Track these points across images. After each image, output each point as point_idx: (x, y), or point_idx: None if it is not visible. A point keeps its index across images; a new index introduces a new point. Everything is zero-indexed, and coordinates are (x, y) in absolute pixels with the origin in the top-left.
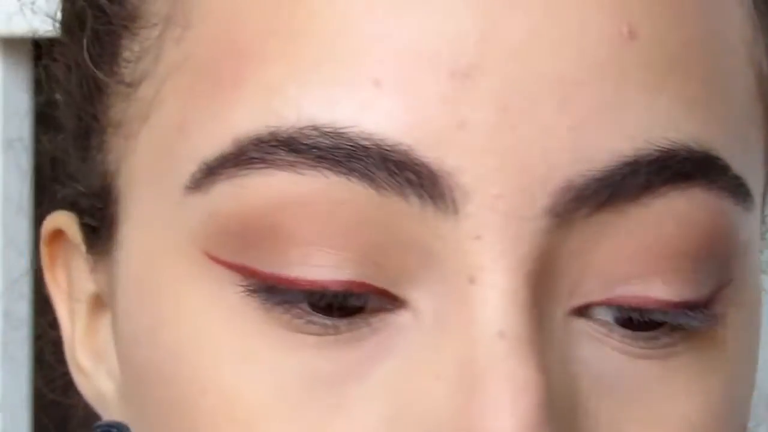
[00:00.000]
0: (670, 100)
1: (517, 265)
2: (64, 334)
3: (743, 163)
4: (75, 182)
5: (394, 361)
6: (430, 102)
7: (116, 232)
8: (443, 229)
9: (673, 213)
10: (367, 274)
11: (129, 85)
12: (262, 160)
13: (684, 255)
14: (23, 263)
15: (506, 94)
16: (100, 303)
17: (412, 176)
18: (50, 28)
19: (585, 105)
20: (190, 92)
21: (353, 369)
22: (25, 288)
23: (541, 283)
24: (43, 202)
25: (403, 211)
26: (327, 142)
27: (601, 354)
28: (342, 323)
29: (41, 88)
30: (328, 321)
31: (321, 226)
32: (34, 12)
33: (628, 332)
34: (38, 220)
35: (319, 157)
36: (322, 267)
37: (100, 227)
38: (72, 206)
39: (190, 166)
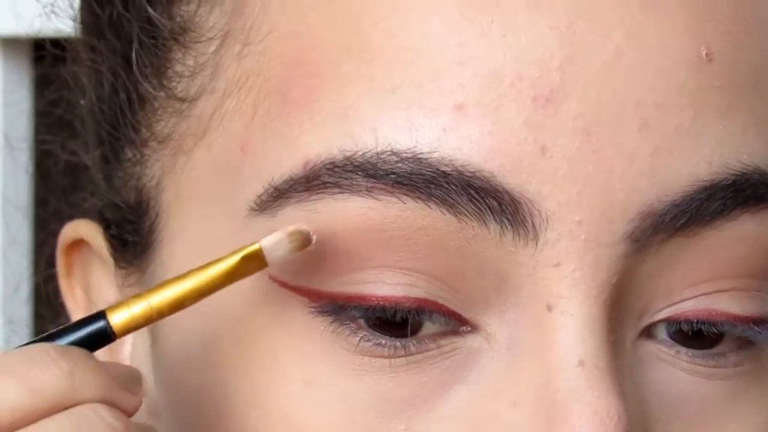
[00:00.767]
0: (744, 122)
1: (596, 292)
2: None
3: None
4: (100, 192)
5: (467, 386)
6: (513, 127)
7: (157, 248)
8: (521, 255)
9: (743, 235)
10: (441, 295)
11: (182, 100)
12: (337, 185)
13: (752, 274)
14: (24, 264)
15: (588, 118)
16: None
17: (493, 203)
18: (50, 28)
19: (665, 129)
20: (255, 111)
21: (424, 393)
22: (25, 292)
23: (617, 308)
24: (45, 202)
25: (480, 236)
26: (406, 167)
27: (670, 376)
28: (411, 343)
29: (42, 88)
30: (397, 342)
31: (396, 252)
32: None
33: (697, 352)
34: (38, 220)
35: (397, 182)
36: (395, 285)
37: (131, 241)
38: (97, 217)
39: (255, 187)
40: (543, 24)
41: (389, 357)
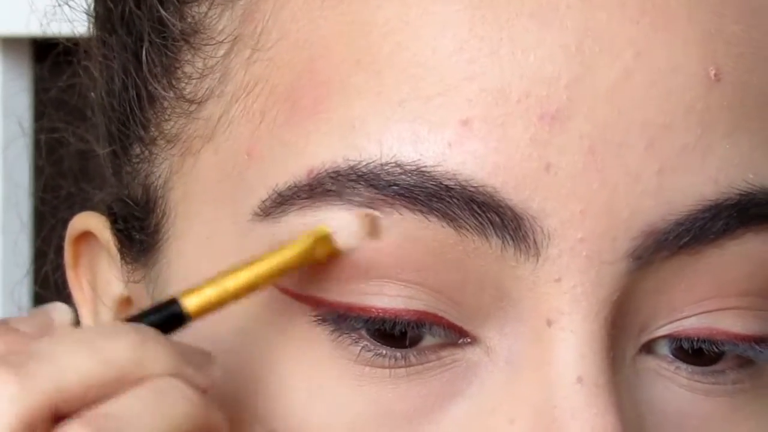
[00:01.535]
0: (750, 142)
1: (596, 309)
2: None
3: None
4: (109, 186)
5: (467, 400)
6: (518, 144)
7: (163, 247)
8: (522, 270)
9: (746, 254)
10: (440, 307)
11: (191, 101)
12: (338, 194)
13: (755, 294)
14: (23, 263)
15: (594, 137)
16: (129, 306)
17: (495, 218)
18: (50, 28)
19: (671, 148)
20: (262, 117)
21: (425, 406)
22: (24, 293)
23: (617, 325)
24: (44, 201)
25: (481, 250)
26: (409, 180)
27: (669, 392)
28: (411, 354)
29: (42, 88)
30: (398, 353)
31: (395, 262)
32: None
33: (697, 368)
34: (38, 220)
35: (399, 194)
36: (395, 297)
37: (138, 238)
38: (106, 210)
39: (260, 193)
40: (552, 42)
41: (390, 368)
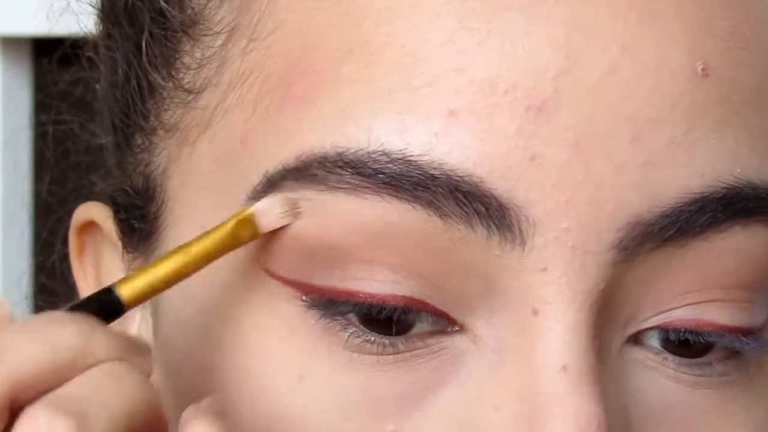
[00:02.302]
0: (737, 137)
1: (581, 298)
2: None
3: None
4: (112, 177)
5: (454, 388)
6: (505, 134)
7: (162, 234)
8: (508, 259)
9: (733, 248)
10: (427, 294)
11: (189, 91)
12: (325, 179)
13: (742, 286)
14: (23, 260)
15: (580, 129)
16: None
17: (480, 207)
18: (50, 28)
19: (657, 142)
20: (256, 105)
21: (413, 392)
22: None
23: (602, 315)
24: (44, 200)
25: (467, 239)
26: (395, 168)
27: (655, 383)
28: (399, 341)
29: (47, 82)
30: (386, 340)
31: (380, 249)
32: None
33: (684, 360)
34: (38, 220)
35: (384, 182)
36: (381, 282)
37: (138, 227)
38: (109, 200)
39: (252, 179)
40: (540, 35)
41: (378, 354)
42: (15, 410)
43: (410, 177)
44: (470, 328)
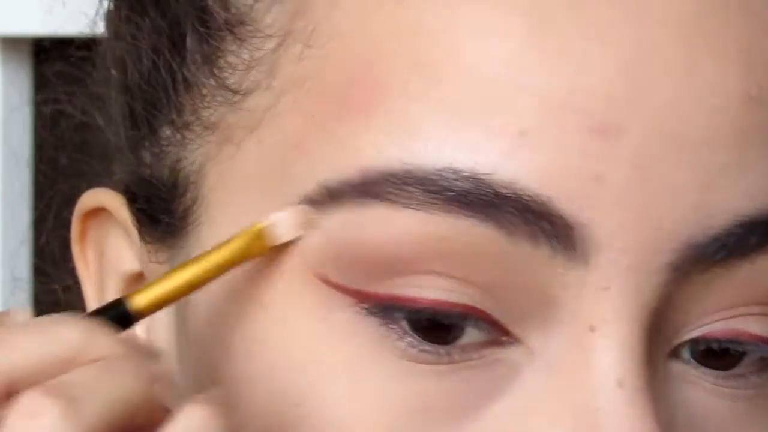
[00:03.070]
0: None
1: (636, 316)
2: (90, 307)
3: None
4: (125, 165)
5: (507, 400)
6: (572, 156)
7: (194, 232)
8: (569, 277)
9: None
10: (486, 305)
11: (234, 92)
12: (393, 195)
13: None
14: (23, 261)
15: (643, 152)
16: (140, 282)
17: (547, 226)
18: (50, 28)
19: (713, 165)
20: (313, 112)
21: (466, 403)
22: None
23: (653, 332)
24: (43, 200)
25: (531, 255)
26: (464, 186)
27: (694, 397)
28: (455, 351)
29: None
30: (441, 349)
31: (444, 261)
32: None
33: (720, 373)
34: (38, 221)
35: (453, 199)
36: (444, 290)
37: (163, 217)
38: (121, 188)
39: (306, 186)
40: (608, 58)
41: (434, 364)
42: None
43: (479, 195)
44: (525, 341)
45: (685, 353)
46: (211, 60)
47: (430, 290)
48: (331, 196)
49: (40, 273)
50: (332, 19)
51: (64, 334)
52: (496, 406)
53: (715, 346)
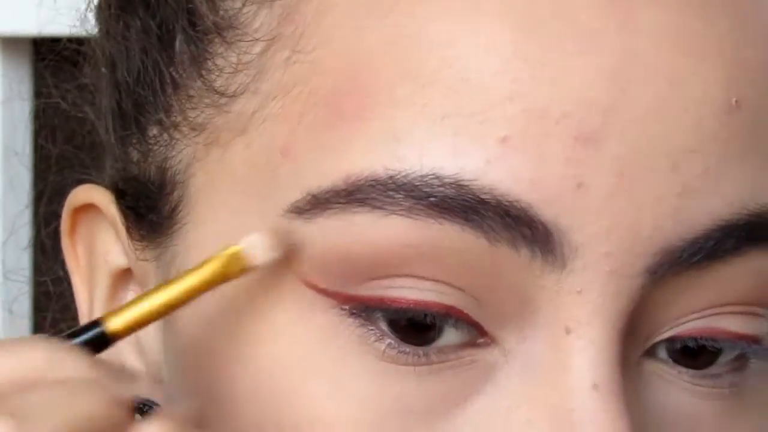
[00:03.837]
0: (762, 164)
1: (613, 319)
2: (79, 304)
3: None
4: (114, 161)
5: (484, 400)
6: (554, 163)
7: (180, 232)
8: (547, 280)
9: (750, 269)
10: (466, 306)
11: (221, 94)
12: (377, 201)
13: (755, 302)
14: (24, 261)
15: (625, 160)
16: (126, 278)
17: (527, 231)
18: (50, 28)
19: (693, 171)
20: (300, 118)
21: (444, 404)
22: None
23: (629, 334)
24: (44, 200)
25: (510, 259)
26: (447, 192)
27: (669, 395)
28: (433, 352)
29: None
30: (420, 350)
31: (428, 267)
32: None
33: (696, 372)
34: (38, 223)
35: (436, 205)
36: (425, 291)
37: (150, 216)
38: (110, 184)
39: (293, 192)
40: (592, 67)
41: (413, 365)
42: None
43: (461, 201)
44: (501, 342)
45: (662, 352)
46: (198, 62)
47: (412, 291)
48: (316, 204)
49: (39, 265)
50: (321, 25)
51: (29, 355)
52: (472, 407)
53: (691, 344)
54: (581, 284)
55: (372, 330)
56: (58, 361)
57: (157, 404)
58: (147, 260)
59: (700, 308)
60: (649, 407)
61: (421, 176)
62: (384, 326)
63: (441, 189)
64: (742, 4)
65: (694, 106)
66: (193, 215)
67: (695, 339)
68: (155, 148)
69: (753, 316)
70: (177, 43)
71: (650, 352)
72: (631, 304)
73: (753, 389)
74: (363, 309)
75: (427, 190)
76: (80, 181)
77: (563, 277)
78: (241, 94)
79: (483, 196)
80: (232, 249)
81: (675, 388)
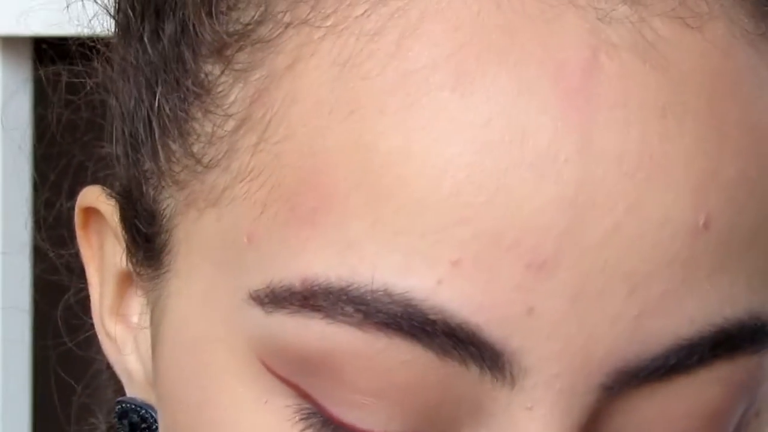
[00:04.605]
0: (733, 280)
1: None
2: (92, 294)
3: None
4: (120, 174)
5: None
6: (504, 288)
7: (165, 275)
8: (498, 393)
9: (717, 378)
10: (418, 427)
11: (198, 161)
12: (329, 310)
13: (723, 411)
14: (24, 262)
15: (578, 286)
16: (129, 282)
17: (474, 351)
18: (50, 28)
19: (652, 294)
20: (263, 209)
21: None
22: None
23: None
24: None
25: (460, 373)
26: (396, 309)
27: None
28: None
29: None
30: None
31: (379, 381)
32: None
33: None
34: (38, 226)
35: (385, 322)
36: (377, 416)
37: (142, 245)
38: (116, 196)
39: (256, 280)
40: (547, 194)
41: None
42: None
43: (410, 319)
44: None
45: None
46: (179, 122)
47: (365, 415)
48: (275, 299)
49: (40, 258)
50: (288, 115)
51: None
52: None
53: None
54: (531, 401)
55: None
56: None
57: (151, 407)
58: (141, 279)
59: (666, 418)
60: None
61: (372, 291)
62: None
63: (390, 306)
64: (723, 114)
65: (652, 230)
66: (174, 265)
67: None
68: (148, 182)
69: (720, 425)
70: (161, 96)
71: None
72: (584, 417)
73: None
74: (317, 422)
75: (377, 306)
76: (80, 181)
77: (514, 394)
78: (215, 167)
79: (432, 317)
80: None
81: None
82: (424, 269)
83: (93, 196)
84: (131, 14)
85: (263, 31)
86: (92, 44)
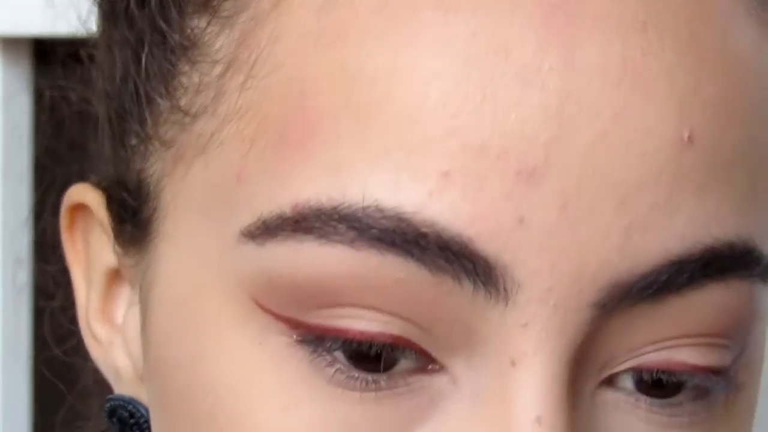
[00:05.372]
0: (719, 198)
1: (558, 352)
2: (78, 298)
3: None
4: (106, 164)
5: (430, 427)
6: (494, 198)
7: (153, 242)
8: (491, 312)
9: (709, 302)
10: (413, 334)
11: (185, 113)
12: (321, 231)
13: (714, 334)
14: (24, 243)
15: (568, 194)
16: (119, 277)
17: (468, 265)
18: (50, 28)
19: (641, 207)
20: (252, 143)
21: (391, 430)
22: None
23: (579, 366)
24: (43, 201)
25: (454, 291)
26: (388, 224)
27: (626, 425)
28: (382, 378)
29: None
30: (369, 377)
31: (373, 297)
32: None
33: (655, 401)
34: (38, 222)
35: (378, 238)
36: (370, 321)
37: (129, 223)
38: (101, 188)
39: (246, 216)
40: (533, 102)
41: (360, 390)
42: None
43: (403, 234)
44: (450, 369)
45: (625, 382)
46: (167, 80)
47: (359, 321)
48: (266, 230)
49: (41, 255)
50: (274, 51)
51: None
52: None
53: (646, 377)
54: (525, 318)
55: (323, 356)
56: None
57: (140, 402)
58: (129, 266)
59: (657, 339)
60: None
61: (363, 208)
62: (336, 352)
63: (382, 221)
64: (701, 36)
65: (639, 140)
66: (163, 229)
67: (650, 371)
68: (134, 157)
69: (714, 347)
70: (149, 59)
71: (610, 382)
72: (579, 336)
73: (714, 419)
74: (313, 337)
75: (369, 222)
76: (80, 179)
77: (507, 311)
78: (202, 114)
79: (424, 230)
80: None
81: (632, 418)
82: (415, 183)
83: (78, 193)
84: None
85: None
86: (91, 45)
